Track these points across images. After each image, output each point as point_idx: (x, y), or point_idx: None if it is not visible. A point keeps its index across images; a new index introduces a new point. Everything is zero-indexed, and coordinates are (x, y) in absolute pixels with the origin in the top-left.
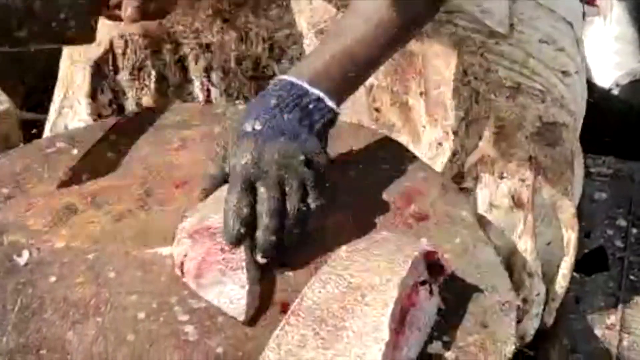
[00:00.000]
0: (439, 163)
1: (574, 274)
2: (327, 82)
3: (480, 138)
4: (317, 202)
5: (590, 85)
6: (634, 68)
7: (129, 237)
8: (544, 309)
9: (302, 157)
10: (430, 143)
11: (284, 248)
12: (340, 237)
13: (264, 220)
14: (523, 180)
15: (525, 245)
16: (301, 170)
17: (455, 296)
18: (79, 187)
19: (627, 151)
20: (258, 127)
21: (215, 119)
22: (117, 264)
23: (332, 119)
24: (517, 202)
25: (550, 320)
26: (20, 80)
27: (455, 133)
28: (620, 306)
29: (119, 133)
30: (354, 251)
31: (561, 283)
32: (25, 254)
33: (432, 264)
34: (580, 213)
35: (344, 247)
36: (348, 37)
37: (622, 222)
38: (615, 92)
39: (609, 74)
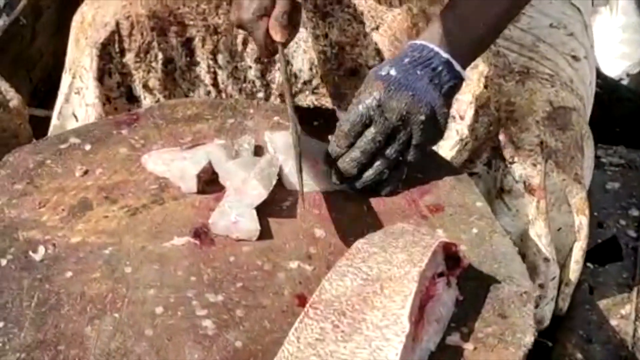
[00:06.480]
0: (446, 147)
1: (588, 264)
2: (455, 46)
3: (489, 123)
4: (413, 156)
5: (599, 75)
6: None
7: (145, 231)
8: (557, 294)
9: (422, 117)
10: None
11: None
12: (356, 230)
13: (355, 153)
14: (535, 165)
15: (539, 230)
16: (416, 129)
17: (473, 287)
18: (93, 183)
19: (638, 140)
20: (393, 72)
21: (227, 112)
22: (134, 259)
23: (458, 83)
24: (528, 188)
25: (565, 306)
26: (27, 77)
27: (462, 117)
28: (634, 296)
29: (132, 128)
30: (371, 243)
31: (574, 268)
32: (41, 250)
33: (449, 256)
34: (593, 203)
35: (360, 239)
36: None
37: (635, 212)
38: (625, 82)
39: (615, 64)
